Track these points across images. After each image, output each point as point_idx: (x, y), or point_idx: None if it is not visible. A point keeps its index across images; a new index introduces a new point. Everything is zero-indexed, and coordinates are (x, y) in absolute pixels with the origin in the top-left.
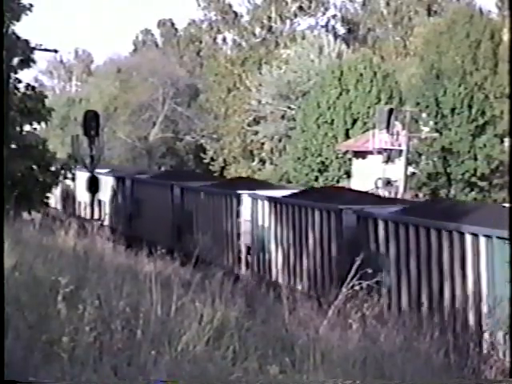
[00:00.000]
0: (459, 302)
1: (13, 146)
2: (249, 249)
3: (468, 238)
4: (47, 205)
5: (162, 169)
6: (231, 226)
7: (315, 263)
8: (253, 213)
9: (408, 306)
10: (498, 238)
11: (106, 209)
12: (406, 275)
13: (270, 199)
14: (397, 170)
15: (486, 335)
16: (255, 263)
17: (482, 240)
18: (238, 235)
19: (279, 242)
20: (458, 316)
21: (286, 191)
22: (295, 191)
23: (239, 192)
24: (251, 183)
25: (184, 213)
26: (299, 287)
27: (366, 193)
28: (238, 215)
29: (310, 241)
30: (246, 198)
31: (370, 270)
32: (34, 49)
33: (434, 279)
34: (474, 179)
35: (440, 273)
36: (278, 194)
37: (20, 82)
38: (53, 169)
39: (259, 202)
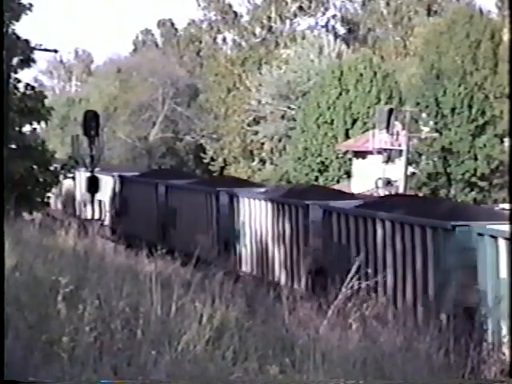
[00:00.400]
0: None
1: (13, 146)
2: (226, 243)
3: (416, 229)
4: (47, 205)
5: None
6: (211, 222)
7: (286, 254)
8: (230, 209)
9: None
10: (434, 227)
11: (107, 208)
12: (365, 263)
13: (246, 196)
14: (397, 170)
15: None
16: (232, 256)
17: (429, 231)
18: (218, 230)
19: (253, 235)
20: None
21: (262, 189)
22: (268, 189)
23: (218, 189)
24: (231, 181)
25: (168, 209)
26: (270, 278)
27: (333, 189)
28: (217, 211)
29: (282, 234)
30: (223, 195)
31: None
32: (33, 49)
33: (388, 265)
34: (474, 179)
35: (393, 260)
36: (255, 191)
37: (20, 81)
38: (52, 169)
39: (235, 198)
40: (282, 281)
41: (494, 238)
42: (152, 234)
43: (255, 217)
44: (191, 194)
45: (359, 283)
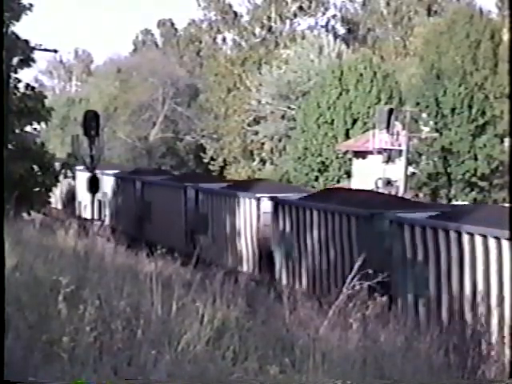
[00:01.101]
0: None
1: (12, 146)
2: (192, 232)
3: (352, 218)
4: (49, 203)
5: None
6: (179, 214)
7: (241, 243)
8: (195, 201)
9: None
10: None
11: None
12: (305, 251)
13: (208, 190)
14: (397, 170)
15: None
16: (196, 244)
17: (352, 218)
18: (185, 221)
19: (215, 225)
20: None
21: (224, 184)
22: (230, 184)
23: (186, 184)
24: (201, 177)
25: (144, 204)
26: (226, 263)
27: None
28: (185, 204)
29: (236, 223)
30: (190, 189)
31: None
32: (33, 49)
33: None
34: (474, 179)
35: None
36: (217, 186)
37: (20, 81)
38: (52, 169)
39: (200, 193)
40: (244, 268)
41: (401, 224)
42: (131, 226)
43: (217, 209)
44: (163, 189)
45: (361, 283)
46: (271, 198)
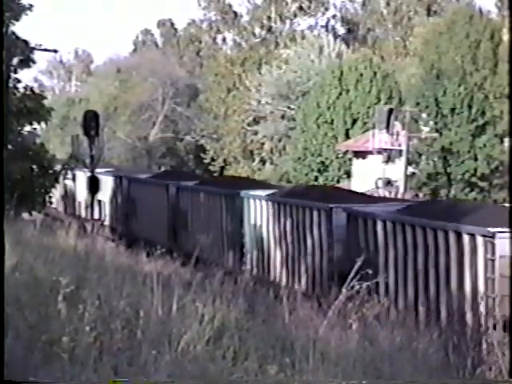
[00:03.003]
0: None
1: (12, 147)
2: (174, 227)
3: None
4: (50, 203)
5: (162, 168)
6: (162, 210)
7: (217, 234)
8: (175, 198)
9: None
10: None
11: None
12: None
13: (189, 188)
14: (397, 170)
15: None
16: (178, 238)
17: (315, 213)
18: (167, 217)
19: (194, 219)
20: None
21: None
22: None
23: (167, 182)
24: (181, 175)
25: (130, 200)
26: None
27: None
28: (167, 201)
29: (213, 217)
30: (171, 187)
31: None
32: (33, 49)
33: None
34: (474, 179)
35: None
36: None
37: (19, 82)
38: (52, 170)
39: (181, 190)
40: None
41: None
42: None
43: (196, 205)
44: (148, 187)
45: (360, 284)
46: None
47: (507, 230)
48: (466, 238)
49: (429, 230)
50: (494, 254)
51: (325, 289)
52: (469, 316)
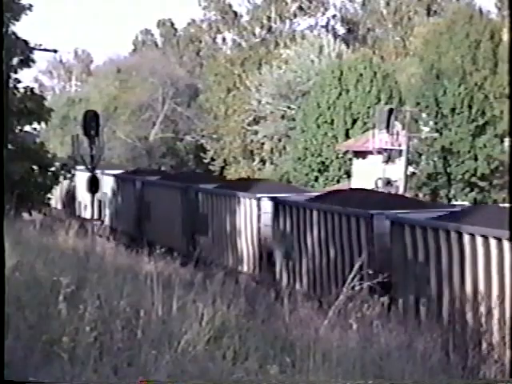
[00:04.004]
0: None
1: (12, 147)
2: (139, 220)
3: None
4: (48, 205)
5: (162, 168)
6: (131, 203)
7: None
8: (140, 193)
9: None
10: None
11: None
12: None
13: (158, 184)
14: (397, 170)
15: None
16: (142, 229)
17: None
18: (135, 209)
19: (156, 214)
20: None
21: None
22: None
23: (134, 177)
24: (152, 172)
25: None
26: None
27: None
28: (133, 194)
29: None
30: (138, 182)
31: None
32: (33, 49)
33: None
34: (474, 179)
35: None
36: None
37: (20, 82)
38: (52, 169)
39: (148, 185)
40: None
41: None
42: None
43: (159, 199)
44: (121, 182)
45: (360, 284)
46: None
47: None
48: None
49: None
50: None
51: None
52: None
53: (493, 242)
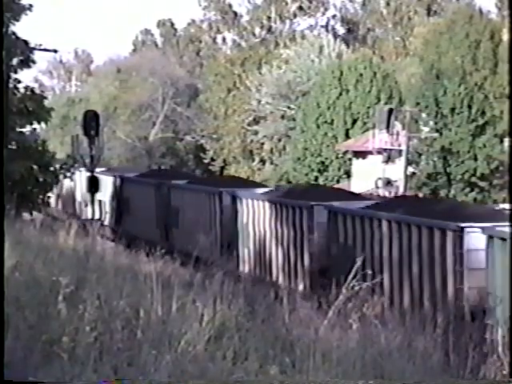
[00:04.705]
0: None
1: (13, 146)
2: (120, 212)
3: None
4: (48, 205)
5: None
6: (112, 196)
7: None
8: (120, 187)
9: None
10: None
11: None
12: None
13: (130, 179)
14: (397, 170)
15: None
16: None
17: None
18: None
19: (136, 207)
20: None
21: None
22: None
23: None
24: (134, 169)
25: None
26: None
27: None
28: (115, 188)
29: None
30: (113, 178)
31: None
32: (33, 49)
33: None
34: (473, 179)
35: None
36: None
37: (20, 82)
38: (52, 169)
39: (124, 180)
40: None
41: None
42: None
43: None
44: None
45: (359, 284)
46: None
47: None
48: None
49: None
50: None
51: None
52: None
53: (407, 228)
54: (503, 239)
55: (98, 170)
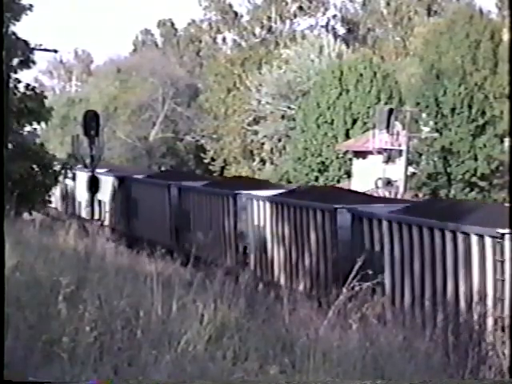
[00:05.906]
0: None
1: (13, 146)
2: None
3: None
4: (49, 203)
5: (163, 168)
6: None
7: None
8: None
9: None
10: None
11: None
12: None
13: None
14: (397, 170)
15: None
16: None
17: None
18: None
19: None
20: None
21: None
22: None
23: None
24: (126, 169)
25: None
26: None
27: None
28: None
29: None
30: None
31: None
32: (33, 49)
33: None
34: (474, 179)
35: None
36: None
37: (20, 82)
38: (52, 169)
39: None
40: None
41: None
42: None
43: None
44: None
45: (360, 284)
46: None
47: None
48: None
49: None
50: None
51: None
52: None
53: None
54: (360, 218)
55: (98, 170)
